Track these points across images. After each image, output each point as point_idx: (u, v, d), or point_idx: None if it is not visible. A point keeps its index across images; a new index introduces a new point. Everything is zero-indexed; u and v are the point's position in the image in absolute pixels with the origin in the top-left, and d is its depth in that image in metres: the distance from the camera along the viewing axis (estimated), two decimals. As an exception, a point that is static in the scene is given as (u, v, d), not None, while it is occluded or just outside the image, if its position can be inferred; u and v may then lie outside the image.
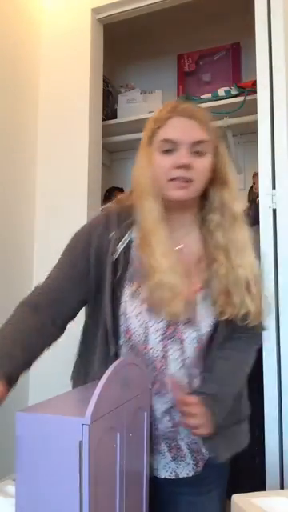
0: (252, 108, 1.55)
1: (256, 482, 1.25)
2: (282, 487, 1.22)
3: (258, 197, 1.57)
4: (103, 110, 2.12)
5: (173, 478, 0.94)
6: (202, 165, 0.89)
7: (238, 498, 0.73)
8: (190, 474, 0.94)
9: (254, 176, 2.12)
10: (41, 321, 0.92)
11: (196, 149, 0.87)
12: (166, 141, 0.87)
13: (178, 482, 0.94)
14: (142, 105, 2.32)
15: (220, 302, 0.89)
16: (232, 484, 1.35)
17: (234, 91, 2.07)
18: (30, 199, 1.97)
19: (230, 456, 0.95)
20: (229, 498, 0.76)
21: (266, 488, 1.21)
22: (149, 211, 0.89)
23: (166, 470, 0.94)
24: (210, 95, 2.11)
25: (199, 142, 0.87)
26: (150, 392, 0.87)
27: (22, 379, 1.72)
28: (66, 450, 0.62)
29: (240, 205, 0.94)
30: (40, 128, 2.03)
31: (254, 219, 2.01)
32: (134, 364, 0.80)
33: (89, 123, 1.93)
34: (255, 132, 1.39)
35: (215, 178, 0.93)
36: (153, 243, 0.88)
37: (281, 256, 1.30)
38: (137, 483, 0.81)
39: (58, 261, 0.99)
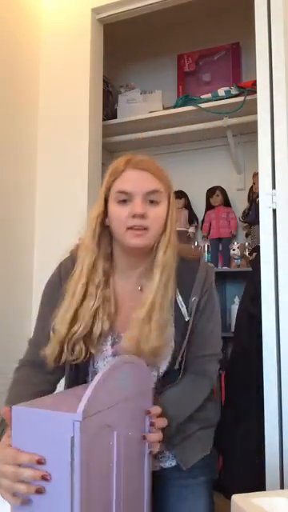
0: (252, 108, 1.55)
1: (256, 482, 1.25)
2: (282, 487, 1.22)
3: (257, 197, 1.57)
4: (103, 110, 2.12)
5: (158, 469, 0.98)
6: (156, 213, 0.93)
7: (238, 498, 0.73)
8: (173, 464, 0.99)
9: (254, 176, 2.12)
10: (42, 375, 0.99)
11: (150, 198, 0.92)
12: (121, 192, 0.92)
13: (164, 471, 0.99)
14: (141, 105, 2.32)
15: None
16: (232, 484, 1.35)
17: (234, 91, 2.07)
18: (29, 199, 1.97)
19: (196, 461, 0.98)
20: (229, 498, 0.76)
21: (266, 488, 1.21)
22: (81, 262, 0.95)
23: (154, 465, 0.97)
24: (210, 95, 2.11)
25: (153, 192, 0.92)
26: (152, 391, 0.87)
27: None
28: (59, 446, 0.62)
29: (169, 251, 0.95)
30: (40, 128, 2.03)
31: (254, 219, 2.02)
32: (134, 363, 0.80)
33: (89, 123, 1.93)
34: (255, 132, 1.39)
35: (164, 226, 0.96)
36: (70, 292, 0.93)
37: (281, 256, 1.30)
38: (137, 482, 0.81)
39: (40, 314, 1.04)
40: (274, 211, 1.33)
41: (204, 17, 2.35)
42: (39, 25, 2.06)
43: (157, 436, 0.84)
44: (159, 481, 0.97)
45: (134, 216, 0.90)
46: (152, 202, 0.92)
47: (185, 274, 0.96)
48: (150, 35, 2.50)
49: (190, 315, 0.95)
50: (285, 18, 1.38)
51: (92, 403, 0.64)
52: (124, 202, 0.92)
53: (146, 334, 0.89)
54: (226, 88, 2.10)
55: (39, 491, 0.63)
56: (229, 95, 2.07)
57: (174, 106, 2.20)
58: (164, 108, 2.28)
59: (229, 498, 0.76)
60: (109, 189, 0.95)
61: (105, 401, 0.68)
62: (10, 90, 1.87)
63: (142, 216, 0.90)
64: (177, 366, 0.95)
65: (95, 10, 1.97)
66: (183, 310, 0.95)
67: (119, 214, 0.92)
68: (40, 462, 0.64)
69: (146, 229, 0.91)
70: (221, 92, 2.09)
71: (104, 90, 2.15)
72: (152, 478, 0.88)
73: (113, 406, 0.70)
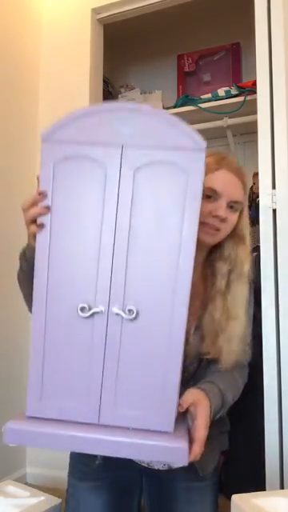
0: (252, 108, 1.55)
1: (256, 482, 1.25)
2: (282, 487, 1.21)
3: (258, 197, 1.57)
4: (103, 110, 2.12)
5: (166, 469, 0.97)
6: (233, 219, 0.98)
7: (238, 498, 0.73)
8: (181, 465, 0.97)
9: (254, 176, 2.12)
10: None
11: (231, 205, 0.96)
12: (211, 189, 0.93)
13: (172, 471, 0.97)
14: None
15: (207, 341, 0.94)
16: (233, 486, 1.36)
17: (233, 91, 2.07)
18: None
19: (213, 467, 0.99)
20: (229, 498, 0.76)
21: (266, 488, 1.21)
22: None
23: (160, 462, 0.96)
24: (210, 95, 2.11)
25: (236, 202, 0.96)
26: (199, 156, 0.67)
27: (19, 379, 1.71)
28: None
29: (248, 265, 0.99)
30: (40, 128, 2.03)
31: (253, 219, 2.02)
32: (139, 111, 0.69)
33: (89, 123, 1.93)
34: (255, 132, 1.39)
35: (234, 233, 1.00)
36: None
37: (281, 256, 1.30)
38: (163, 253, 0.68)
39: None
40: (274, 211, 1.33)
41: (204, 17, 2.35)
42: (39, 25, 2.06)
43: (199, 441, 0.74)
44: (168, 481, 0.97)
45: (215, 216, 0.93)
46: (231, 207, 0.96)
47: None
48: (150, 35, 2.50)
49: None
50: (285, 18, 1.38)
51: (59, 129, 0.68)
52: (208, 197, 0.93)
53: (224, 345, 0.94)
54: (226, 88, 2.10)
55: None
56: (229, 95, 2.07)
57: (174, 106, 2.20)
58: (164, 108, 2.28)
59: (229, 498, 0.76)
60: None
61: (84, 134, 0.69)
62: (10, 89, 1.87)
63: (223, 220, 0.94)
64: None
65: (95, 10, 1.97)
66: None
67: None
68: (40, 193, 0.74)
69: (218, 229, 0.95)
70: (221, 92, 2.09)
71: (104, 90, 2.16)
72: (159, 475, 0.88)
73: (100, 143, 0.69)
